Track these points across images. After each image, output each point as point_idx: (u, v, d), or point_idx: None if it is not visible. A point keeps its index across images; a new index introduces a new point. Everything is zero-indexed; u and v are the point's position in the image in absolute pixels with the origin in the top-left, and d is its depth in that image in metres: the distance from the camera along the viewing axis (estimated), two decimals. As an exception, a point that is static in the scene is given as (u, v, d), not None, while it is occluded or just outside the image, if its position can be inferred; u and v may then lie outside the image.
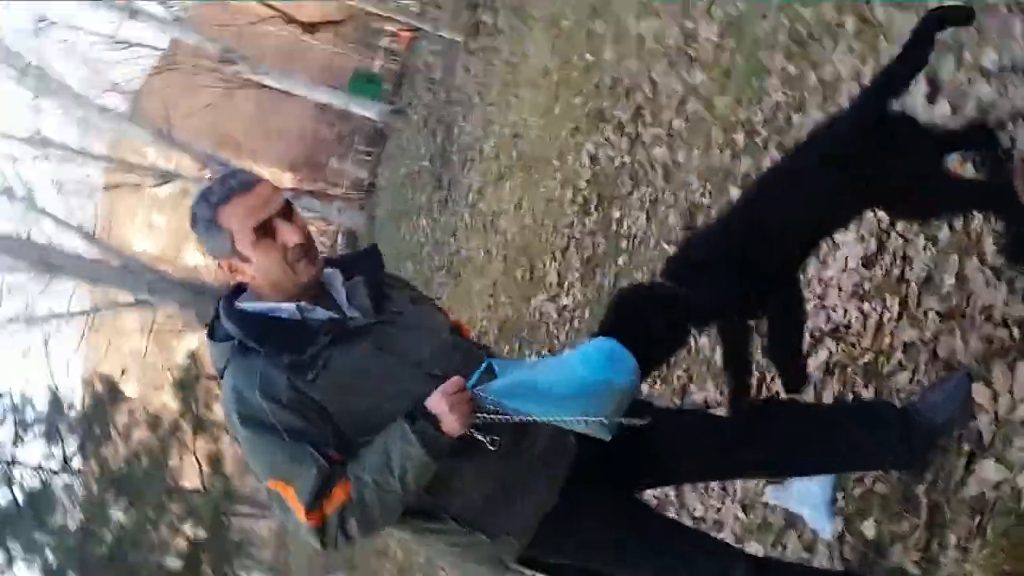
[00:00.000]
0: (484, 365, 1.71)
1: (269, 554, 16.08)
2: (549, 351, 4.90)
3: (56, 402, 12.52)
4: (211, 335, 1.76)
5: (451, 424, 1.64)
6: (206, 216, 1.69)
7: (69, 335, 14.47)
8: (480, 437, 1.67)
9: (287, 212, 1.72)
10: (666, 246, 3.85)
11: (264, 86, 13.93)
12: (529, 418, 1.66)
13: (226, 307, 1.74)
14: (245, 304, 1.75)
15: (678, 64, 4.40)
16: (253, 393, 1.64)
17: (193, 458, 12.82)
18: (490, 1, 10.00)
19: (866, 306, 2.49)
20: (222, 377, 1.72)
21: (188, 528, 12.10)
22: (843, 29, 3.05)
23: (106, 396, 12.52)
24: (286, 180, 17.46)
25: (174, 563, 12.04)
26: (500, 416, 1.67)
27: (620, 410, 1.67)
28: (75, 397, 13.49)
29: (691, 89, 4.18)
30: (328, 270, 1.81)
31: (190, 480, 13.16)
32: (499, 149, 7.72)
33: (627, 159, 4.69)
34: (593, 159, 5.19)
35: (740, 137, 3.55)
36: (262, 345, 1.67)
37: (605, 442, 1.68)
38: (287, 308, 1.72)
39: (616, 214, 4.60)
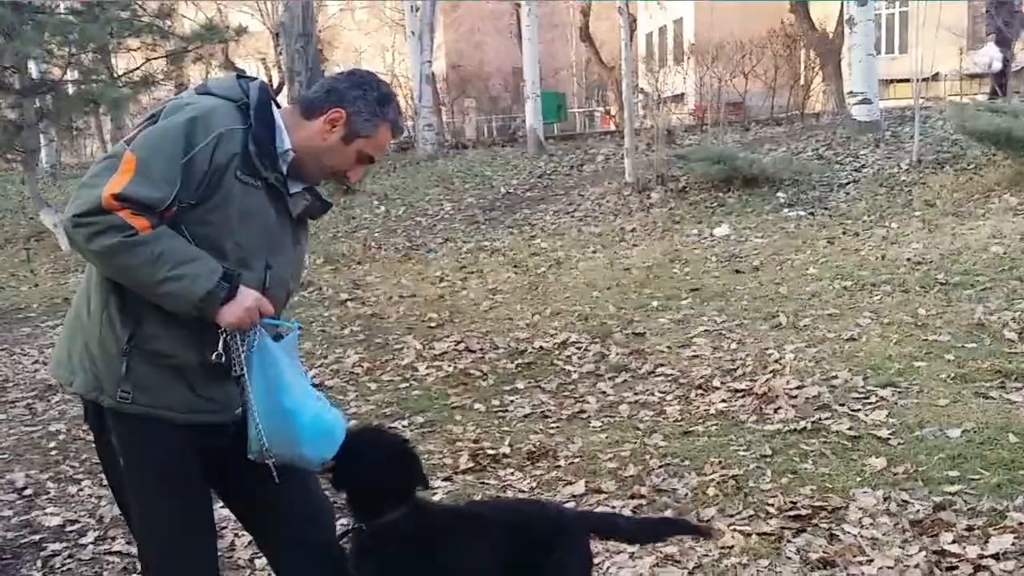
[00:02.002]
0: (291, 325, 2.03)
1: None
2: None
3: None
4: (239, 77, 2.02)
5: (230, 313, 1.86)
6: (372, 109, 2.01)
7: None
8: (222, 344, 1.88)
9: (374, 161, 2.10)
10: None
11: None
12: (247, 393, 1.89)
13: (266, 91, 2.00)
14: (275, 110, 2.00)
15: None
16: (217, 126, 1.87)
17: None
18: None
19: None
20: (206, 94, 1.95)
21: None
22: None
23: None
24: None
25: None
26: (241, 359, 1.88)
27: (283, 460, 1.92)
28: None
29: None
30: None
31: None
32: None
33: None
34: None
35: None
36: (259, 125, 1.92)
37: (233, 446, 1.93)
38: (288, 145, 1.99)
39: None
